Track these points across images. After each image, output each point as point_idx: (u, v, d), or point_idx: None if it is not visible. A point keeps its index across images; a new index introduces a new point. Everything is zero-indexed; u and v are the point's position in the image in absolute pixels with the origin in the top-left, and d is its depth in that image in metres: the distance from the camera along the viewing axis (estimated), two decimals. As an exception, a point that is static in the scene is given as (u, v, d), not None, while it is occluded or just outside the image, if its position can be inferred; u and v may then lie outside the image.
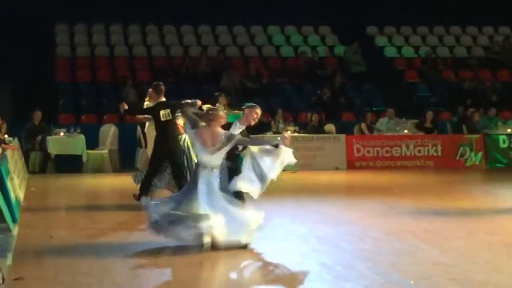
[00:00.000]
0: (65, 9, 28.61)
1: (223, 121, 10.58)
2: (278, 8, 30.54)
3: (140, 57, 29.28)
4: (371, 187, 19.16)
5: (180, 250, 10.20)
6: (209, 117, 10.42)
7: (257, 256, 10.14)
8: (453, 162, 23.93)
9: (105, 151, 23.53)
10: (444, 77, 28.97)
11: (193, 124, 10.66)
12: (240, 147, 10.89)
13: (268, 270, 9.43)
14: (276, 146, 10.75)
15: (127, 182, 20.85)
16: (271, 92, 27.26)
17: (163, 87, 16.03)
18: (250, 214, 10.45)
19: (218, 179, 10.51)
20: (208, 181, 10.35)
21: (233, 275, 9.38)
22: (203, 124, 10.48)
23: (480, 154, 24.00)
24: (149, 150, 22.71)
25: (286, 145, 10.78)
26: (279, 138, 10.67)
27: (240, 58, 29.66)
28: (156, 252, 10.35)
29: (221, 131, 10.45)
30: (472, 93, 27.91)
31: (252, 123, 11.23)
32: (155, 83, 16.35)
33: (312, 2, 30.67)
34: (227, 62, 28.79)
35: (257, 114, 11.14)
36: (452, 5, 31.41)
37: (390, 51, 31.01)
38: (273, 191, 12.27)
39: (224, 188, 10.60)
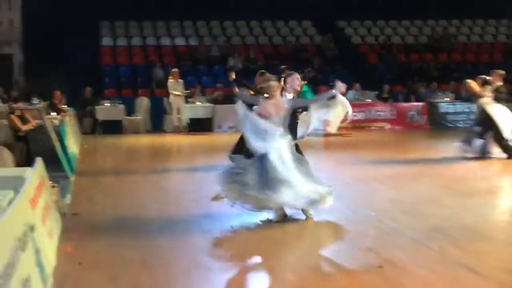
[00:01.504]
0: (107, 8, 28.46)
1: (279, 88, 8.88)
2: (271, 6, 30.34)
3: (165, 45, 29.19)
4: (342, 143, 19.13)
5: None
6: (267, 90, 8.64)
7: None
8: (404, 124, 23.89)
9: (140, 117, 23.55)
10: (397, 59, 28.85)
11: (253, 102, 8.86)
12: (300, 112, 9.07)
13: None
14: (333, 97, 8.80)
15: (156, 140, 20.95)
16: (266, 71, 27.14)
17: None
18: (318, 187, 8.40)
19: (290, 147, 8.48)
20: (280, 150, 8.34)
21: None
22: (263, 98, 8.67)
23: (424, 117, 23.98)
24: (174, 118, 22.97)
25: (341, 92, 8.82)
26: (333, 90, 8.67)
27: (242, 46, 29.58)
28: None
29: (282, 98, 8.81)
30: (419, 71, 27.90)
31: (298, 88, 9.54)
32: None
33: (297, 2, 30.52)
34: (232, 48, 28.80)
35: (298, 78, 9.45)
36: (403, 3, 31.25)
37: (356, 40, 30.91)
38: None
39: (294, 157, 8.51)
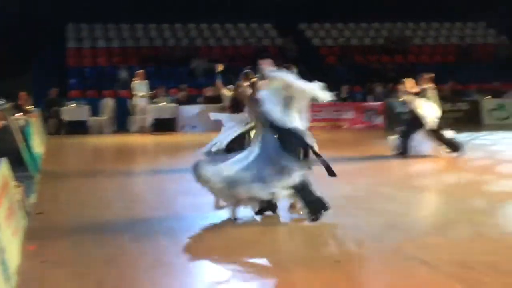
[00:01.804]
0: (73, 11, 28.26)
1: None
2: (234, 9, 30.34)
3: (130, 47, 29.07)
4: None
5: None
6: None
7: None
8: (362, 123, 24.06)
9: (105, 118, 23.42)
10: (355, 60, 29.04)
11: None
12: None
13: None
14: None
15: (121, 140, 20.83)
16: (229, 72, 27.16)
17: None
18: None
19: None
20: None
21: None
22: None
23: (381, 117, 24.16)
24: (138, 118, 22.86)
25: None
26: None
27: (205, 48, 29.59)
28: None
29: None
30: (376, 72, 28.10)
31: None
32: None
33: (259, 5, 30.55)
34: (195, 50, 28.78)
35: None
36: (362, 7, 31.43)
37: (316, 41, 31.07)
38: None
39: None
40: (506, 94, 26.57)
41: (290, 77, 8.23)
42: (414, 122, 14.61)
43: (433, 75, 15.35)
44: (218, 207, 8.54)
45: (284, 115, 8.00)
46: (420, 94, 14.77)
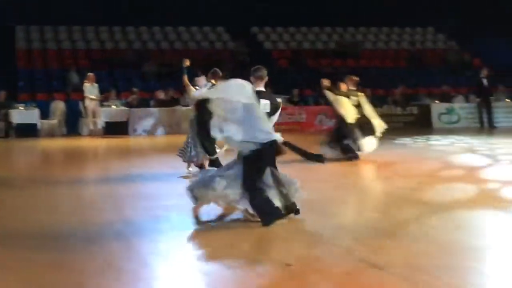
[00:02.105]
0: (23, 13, 27.91)
1: None
2: (185, 12, 30.25)
3: (81, 49, 28.79)
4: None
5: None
6: None
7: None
8: (314, 126, 24.18)
9: (55, 121, 23.15)
10: (307, 64, 29.19)
11: None
12: None
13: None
14: None
15: (71, 143, 20.59)
16: (181, 76, 27.06)
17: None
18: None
19: None
20: None
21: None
22: None
23: (333, 120, 24.22)
24: (89, 121, 22.64)
25: None
26: None
27: (157, 51, 29.46)
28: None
29: None
30: (328, 75, 28.26)
31: None
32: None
33: (211, 9, 30.53)
34: (147, 53, 28.63)
35: None
36: (314, 11, 31.60)
37: (268, 45, 31.17)
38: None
39: None
40: (456, 98, 26.95)
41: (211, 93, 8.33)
42: (341, 124, 14.64)
43: (357, 78, 15.44)
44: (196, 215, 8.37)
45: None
46: (343, 94, 14.85)
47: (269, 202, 7.92)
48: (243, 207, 8.09)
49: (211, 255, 6.79)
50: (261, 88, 8.60)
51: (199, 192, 8.10)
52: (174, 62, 27.72)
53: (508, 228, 7.66)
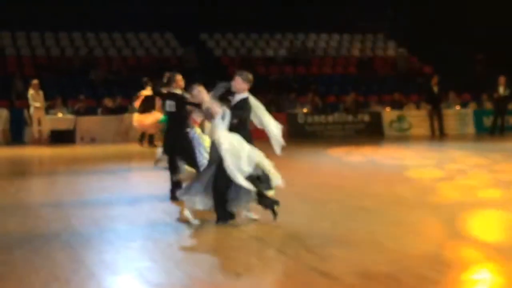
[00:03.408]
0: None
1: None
2: (133, 19, 30.13)
3: (26, 56, 28.46)
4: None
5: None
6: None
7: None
8: (263, 134, 24.21)
9: (-1, 129, 22.87)
10: (257, 71, 29.29)
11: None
12: None
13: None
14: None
15: (16, 153, 20.34)
16: (129, 83, 27.01)
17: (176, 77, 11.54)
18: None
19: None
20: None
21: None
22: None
23: (283, 127, 24.35)
24: (34, 129, 22.39)
25: None
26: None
27: (104, 57, 29.28)
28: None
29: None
30: (278, 82, 28.45)
31: None
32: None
33: (159, 14, 30.48)
34: (94, 60, 28.45)
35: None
36: (263, 18, 31.76)
37: (217, 52, 31.21)
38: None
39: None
40: (406, 105, 27.31)
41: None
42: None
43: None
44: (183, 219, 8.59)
45: None
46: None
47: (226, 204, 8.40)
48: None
49: (159, 266, 6.79)
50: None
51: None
52: (122, 69, 27.65)
53: (454, 231, 7.81)
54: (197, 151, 10.24)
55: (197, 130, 10.46)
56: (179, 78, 11.30)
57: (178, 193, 8.76)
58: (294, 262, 6.75)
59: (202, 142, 10.29)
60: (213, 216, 8.53)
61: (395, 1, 33.55)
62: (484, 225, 8.56)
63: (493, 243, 7.43)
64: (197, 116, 9.90)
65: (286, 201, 10.21)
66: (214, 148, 8.51)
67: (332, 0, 32.22)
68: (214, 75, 29.04)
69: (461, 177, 12.98)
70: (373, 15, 33.41)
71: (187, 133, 10.32)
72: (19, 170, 15.99)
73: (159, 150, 13.76)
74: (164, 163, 13.37)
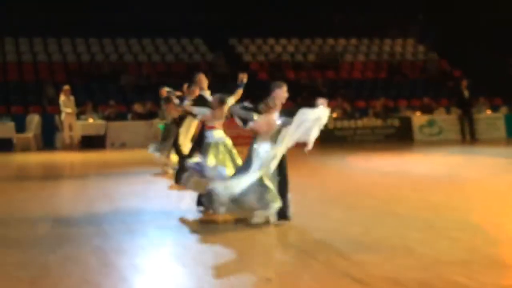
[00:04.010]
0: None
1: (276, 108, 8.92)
2: (163, 24, 30.27)
3: (57, 62, 28.70)
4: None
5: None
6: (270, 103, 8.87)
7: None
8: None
9: (31, 134, 23.02)
10: (287, 76, 29.25)
11: (246, 117, 8.98)
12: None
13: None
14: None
15: (48, 158, 20.50)
16: (159, 89, 27.10)
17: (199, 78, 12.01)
18: None
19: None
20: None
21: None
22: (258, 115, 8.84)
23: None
24: (66, 135, 22.56)
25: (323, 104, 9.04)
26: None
27: (134, 63, 29.43)
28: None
29: (275, 117, 8.90)
30: (307, 87, 28.38)
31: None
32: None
33: (188, 20, 30.59)
34: (124, 66, 28.59)
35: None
36: (292, 23, 31.76)
37: (247, 57, 31.21)
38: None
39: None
40: (436, 110, 27.13)
41: None
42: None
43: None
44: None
45: None
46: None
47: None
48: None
49: (190, 271, 6.79)
50: None
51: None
52: (151, 75, 27.76)
53: (487, 237, 7.73)
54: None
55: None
56: (201, 78, 11.33)
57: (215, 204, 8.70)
58: (326, 267, 6.71)
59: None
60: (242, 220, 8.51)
61: (425, 6, 33.35)
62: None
63: (527, 249, 7.35)
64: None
65: (318, 206, 10.19)
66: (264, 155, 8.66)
67: (362, 5, 32.13)
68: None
69: (492, 182, 12.85)
70: (403, 20, 33.25)
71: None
72: (51, 175, 16.11)
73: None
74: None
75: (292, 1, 31.95)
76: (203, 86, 11.83)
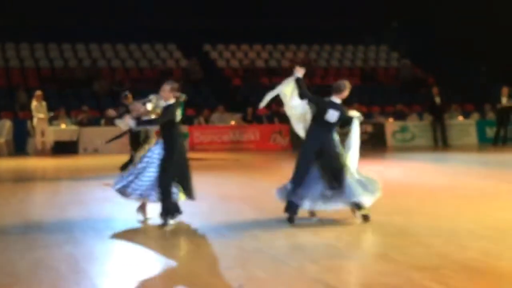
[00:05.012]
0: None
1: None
2: (136, 30, 30.18)
3: (30, 68, 28.49)
4: (209, 164, 19.12)
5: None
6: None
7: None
8: (268, 145, 24.27)
9: (2, 140, 22.83)
10: (261, 82, 29.27)
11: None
12: None
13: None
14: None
15: (20, 163, 20.32)
16: (133, 95, 26.97)
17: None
18: None
19: None
20: None
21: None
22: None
23: (287, 139, 24.39)
24: (38, 140, 22.38)
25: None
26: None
27: (108, 69, 29.29)
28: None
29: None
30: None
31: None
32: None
33: (162, 25, 30.53)
34: (98, 71, 28.44)
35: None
36: (266, 29, 31.80)
37: (221, 63, 31.20)
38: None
39: None
40: (409, 116, 27.28)
41: None
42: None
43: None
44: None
45: None
46: None
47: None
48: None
49: (162, 277, 6.75)
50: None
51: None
52: (125, 81, 27.64)
53: (457, 242, 7.77)
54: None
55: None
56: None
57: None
58: (298, 273, 6.70)
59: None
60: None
61: (399, 13, 33.55)
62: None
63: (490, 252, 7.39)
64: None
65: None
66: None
67: (336, 11, 32.26)
68: (218, 86, 29.11)
69: (464, 188, 12.94)
70: (377, 27, 33.44)
71: None
72: (22, 181, 15.96)
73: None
74: None
75: (266, 7, 32.00)
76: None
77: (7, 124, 23.24)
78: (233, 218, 9.86)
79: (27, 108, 23.29)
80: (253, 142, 24.31)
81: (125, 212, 10.18)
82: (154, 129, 10.72)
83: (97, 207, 11.13)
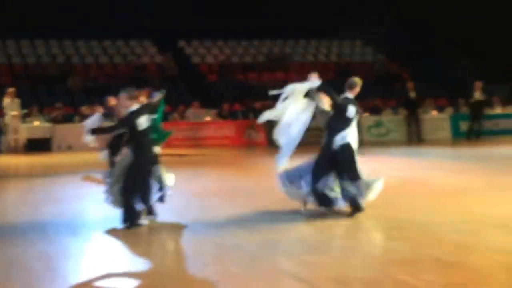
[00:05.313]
0: None
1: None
2: (111, 26, 30.01)
3: (1, 64, 28.23)
4: (184, 160, 19.08)
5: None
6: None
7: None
8: (242, 141, 24.26)
9: (-25, 138, 22.65)
10: (236, 77, 29.28)
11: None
12: None
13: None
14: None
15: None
16: (107, 91, 26.86)
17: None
18: None
19: None
20: None
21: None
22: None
23: (262, 134, 24.36)
24: (10, 138, 22.17)
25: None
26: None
27: (81, 65, 29.12)
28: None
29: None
30: (257, 89, 28.39)
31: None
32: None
33: (137, 20, 30.38)
34: (71, 68, 28.28)
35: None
36: (241, 24, 31.75)
37: (196, 59, 31.15)
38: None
39: None
40: (384, 111, 27.37)
41: None
42: None
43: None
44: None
45: None
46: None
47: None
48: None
49: (135, 274, 6.72)
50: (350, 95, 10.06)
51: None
52: (99, 77, 27.51)
53: (431, 236, 7.82)
54: None
55: None
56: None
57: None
58: (273, 268, 6.70)
59: None
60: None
61: (374, 8, 33.65)
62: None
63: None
64: None
65: (265, 209, 10.19)
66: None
67: (310, 6, 32.28)
68: (193, 82, 29.05)
69: (437, 182, 13.02)
70: (351, 21, 33.51)
71: None
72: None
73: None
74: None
75: (241, 3, 31.94)
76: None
77: (-21, 121, 23.04)
78: (208, 214, 9.84)
79: (-1, 105, 23.09)
80: (229, 138, 24.29)
81: (98, 209, 10.12)
82: None
83: (71, 205, 11.07)
